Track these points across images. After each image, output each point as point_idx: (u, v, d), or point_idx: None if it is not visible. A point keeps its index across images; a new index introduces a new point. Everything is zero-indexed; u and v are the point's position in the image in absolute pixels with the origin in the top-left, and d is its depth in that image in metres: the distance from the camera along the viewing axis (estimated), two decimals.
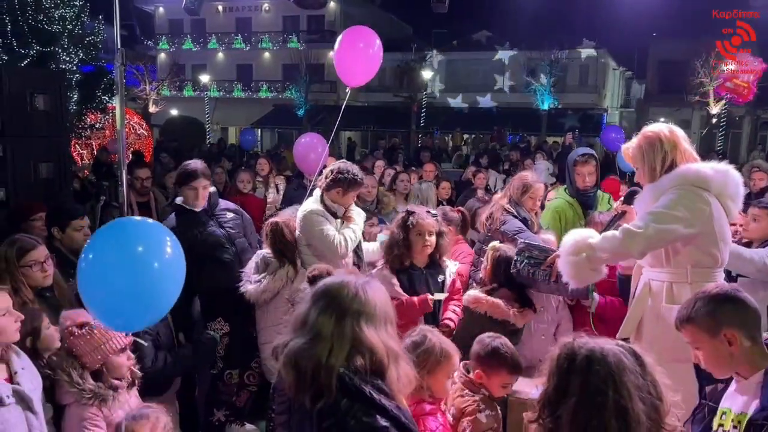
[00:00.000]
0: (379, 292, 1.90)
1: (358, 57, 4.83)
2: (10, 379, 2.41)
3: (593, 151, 4.56)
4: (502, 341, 2.79)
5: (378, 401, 1.71)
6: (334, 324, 1.78)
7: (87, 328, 2.71)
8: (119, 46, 4.92)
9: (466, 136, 30.40)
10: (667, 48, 29.79)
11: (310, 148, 6.80)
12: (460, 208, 4.87)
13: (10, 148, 4.66)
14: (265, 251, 3.82)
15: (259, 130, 33.85)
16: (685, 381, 2.48)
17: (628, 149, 3.03)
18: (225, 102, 34.03)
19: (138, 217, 2.65)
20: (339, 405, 1.70)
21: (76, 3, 13.98)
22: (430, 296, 3.48)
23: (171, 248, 2.34)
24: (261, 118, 33.17)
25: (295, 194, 6.47)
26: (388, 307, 1.90)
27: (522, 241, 3.55)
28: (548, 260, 3.31)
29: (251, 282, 3.70)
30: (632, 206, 3.15)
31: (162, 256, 2.30)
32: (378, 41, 4.86)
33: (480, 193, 6.73)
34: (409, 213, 3.65)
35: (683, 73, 23.90)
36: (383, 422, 1.70)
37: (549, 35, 27.35)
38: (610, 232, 2.91)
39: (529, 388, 2.96)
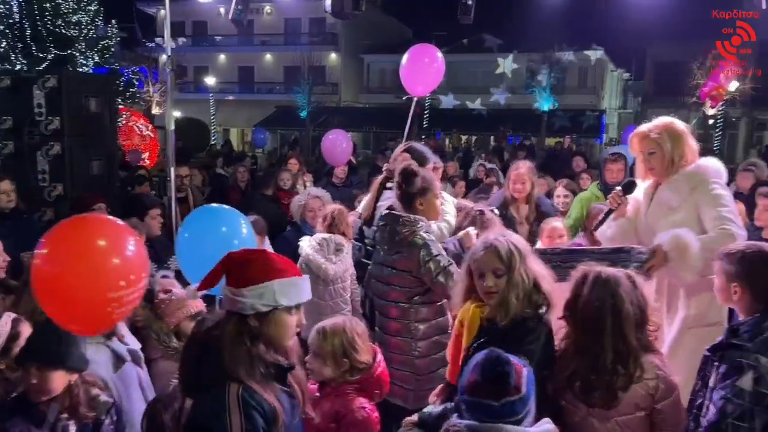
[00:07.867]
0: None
1: (422, 70, 5.47)
2: (120, 341, 2.84)
3: (624, 153, 4.88)
4: None
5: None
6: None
7: (170, 294, 3.16)
8: (169, 54, 5.31)
9: (464, 138, 30.69)
10: (665, 50, 30.29)
11: (336, 144, 7.59)
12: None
13: (68, 148, 5.03)
14: (325, 236, 4.18)
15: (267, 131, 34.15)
16: None
17: (646, 133, 3.16)
18: (226, 104, 34.28)
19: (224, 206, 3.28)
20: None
21: (91, 8, 14.23)
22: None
23: (246, 229, 3.05)
24: (263, 120, 33.43)
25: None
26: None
27: (627, 250, 2.98)
28: (649, 264, 2.92)
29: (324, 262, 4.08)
30: (627, 198, 3.23)
31: (240, 235, 2.98)
32: (440, 55, 5.48)
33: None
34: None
35: (681, 74, 24.35)
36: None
37: (548, 37, 27.66)
38: (709, 236, 2.91)
39: None
